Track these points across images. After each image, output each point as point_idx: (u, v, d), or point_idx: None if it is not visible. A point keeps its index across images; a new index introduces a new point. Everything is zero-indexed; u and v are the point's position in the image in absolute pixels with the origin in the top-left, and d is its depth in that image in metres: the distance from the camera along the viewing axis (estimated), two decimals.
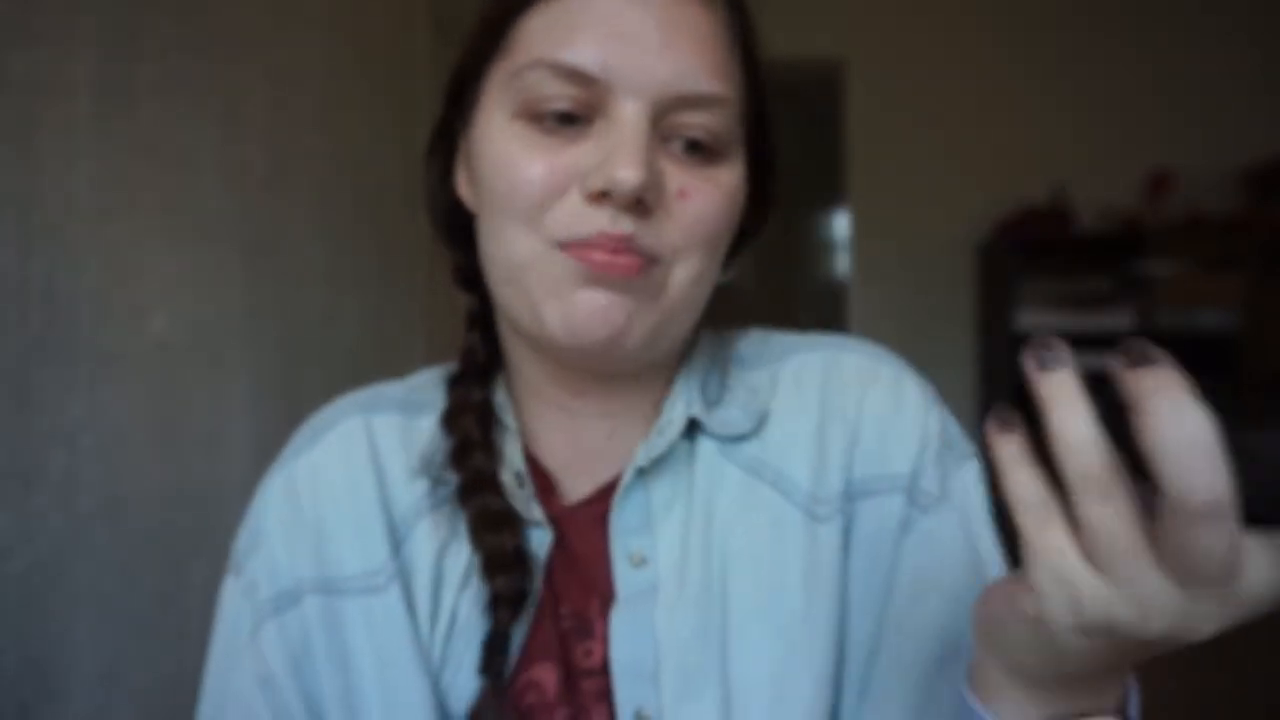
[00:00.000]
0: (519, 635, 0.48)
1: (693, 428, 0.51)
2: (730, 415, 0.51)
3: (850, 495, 0.49)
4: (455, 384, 0.53)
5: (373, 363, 1.93)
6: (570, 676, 0.47)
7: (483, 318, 0.55)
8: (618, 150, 0.43)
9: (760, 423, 0.51)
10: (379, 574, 0.48)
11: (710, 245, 0.47)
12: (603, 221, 0.43)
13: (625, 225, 0.43)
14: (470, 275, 0.54)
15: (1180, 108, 3.43)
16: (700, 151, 0.46)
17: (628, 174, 0.42)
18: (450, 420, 0.52)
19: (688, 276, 0.46)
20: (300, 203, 1.52)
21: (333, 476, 0.51)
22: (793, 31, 3.41)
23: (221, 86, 1.23)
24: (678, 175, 0.45)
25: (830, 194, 4.10)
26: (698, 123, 0.45)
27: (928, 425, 0.51)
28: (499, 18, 0.48)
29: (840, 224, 3.99)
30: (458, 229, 0.54)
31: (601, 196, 0.43)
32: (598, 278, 0.44)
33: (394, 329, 2.10)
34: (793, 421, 0.51)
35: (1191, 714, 2.22)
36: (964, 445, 0.52)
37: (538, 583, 0.49)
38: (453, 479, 0.50)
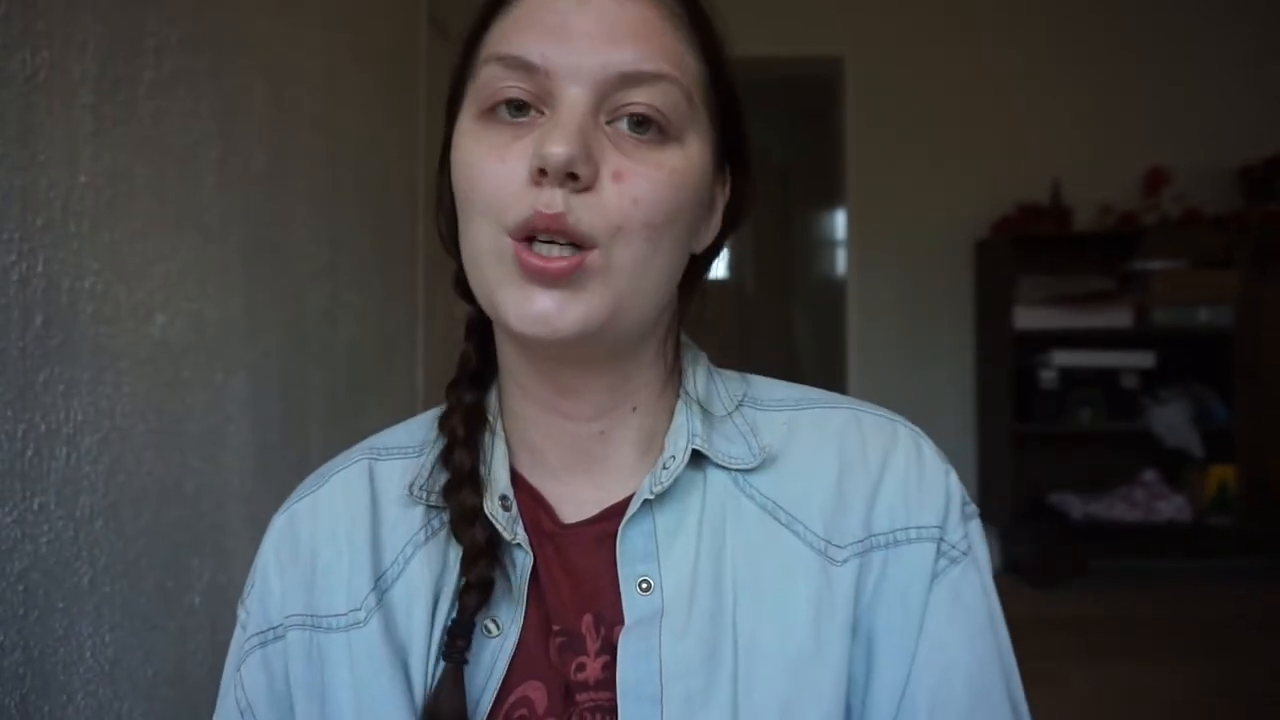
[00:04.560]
0: (505, 653, 0.50)
1: (697, 457, 0.52)
2: (734, 450, 0.53)
3: (872, 545, 0.51)
4: (450, 388, 0.56)
5: (373, 363, 1.93)
6: (567, 691, 0.49)
7: (480, 326, 0.57)
8: (550, 128, 0.45)
9: (766, 461, 0.52)
10: (360, 609, 0.51)
11: (651, 228, 0.47)
12: (539, 201, 0.45)
13: (557, 203, 0.45)
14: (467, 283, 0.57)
15: (1176, 107, 3.43)
16: (647, 130, 0.47)
17: (556, 148, 0.44)
18: (443, 421, 0.54)
19: (631, 259, 0.47)
20: (300, 203, 1.52)
21: (331, 518, 0.54)
22: (791, 30, 3.42)
23: (221, 86, 1.23)
24: (615, 158, 0.47)
25: (828, 192, 4.10)
26: (642, 100, 0.47)
27: (949, 484, 0.53)
28: (470, 37, 0.52)
29: (838, 221, 3.99)
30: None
31: (540, 175, 0.45)
32: (534, 278, 0.46)
33: (394, 329, 2.10)
34: (810, 469, 0.53)
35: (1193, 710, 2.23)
36: (970, 505, 0.55)
37: (522, 598, 0.50)
38: (441, 499, 0.53)
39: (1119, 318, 3.20)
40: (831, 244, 4.43)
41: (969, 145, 3.48)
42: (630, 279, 0.47)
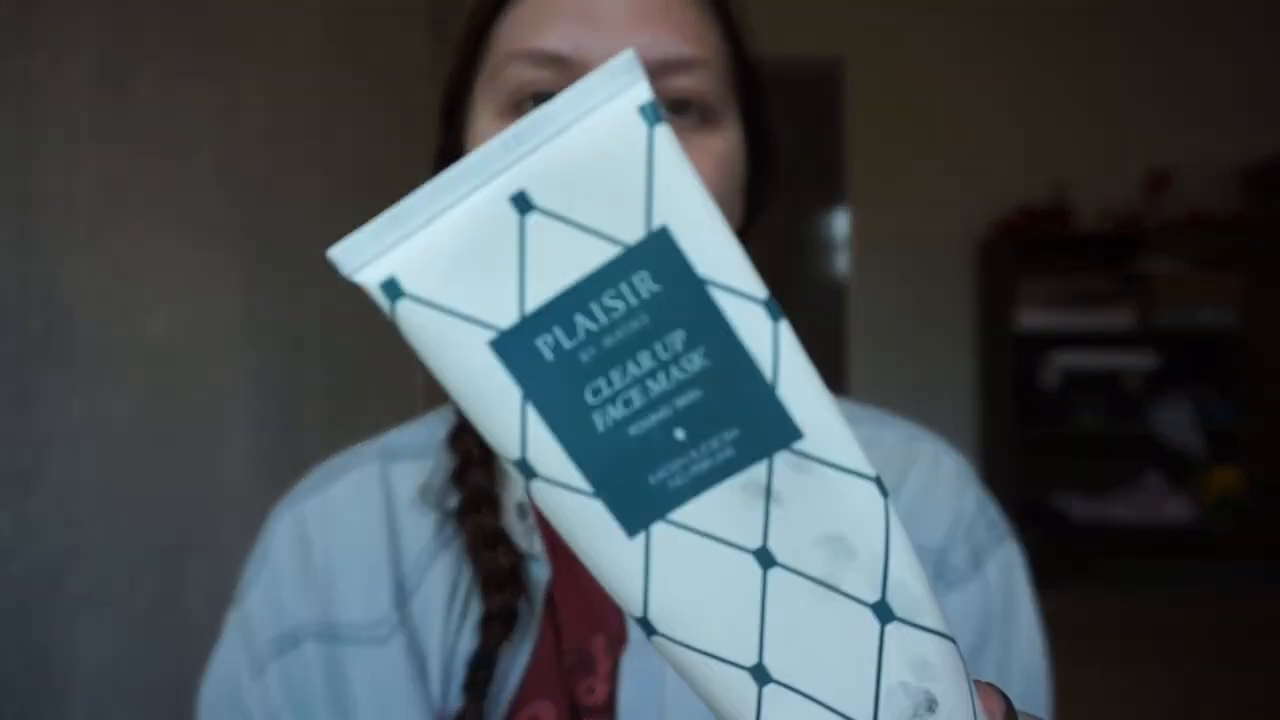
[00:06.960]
0: (517, 669, 0.47)
1: None
2: None
3: None
4: None
5: (373, 363, 1.93)
6: (574, 713, 0.47)
7: None
8: None
9: None
10: (382, 625, 0.48)
11: None
12: None
13: None
14: None
15: (1180, 107, 3.43)
16: (687, 115, 0.45)
17: None
18: (453, 439, 0.51)
19: None
20: (300, 203, 1.52)
21: (345, 521, 0.51)
22: (793, 30, 3.41)
23: (220, 86, 1.23)
24: None
25: (830, 193, 4.10)
26: (681, 85, 0.44)
27: (962, 502, 0.51)
28: (476, 28, 0.48)
29: (840, 223, 3.99)
30: None
31: None
32: None
33: (394, 329, 2.10)
34: None
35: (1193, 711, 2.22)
36: (1002, 527, 0.52)
37: (538, 612, 0.48)
38: (454, 502, 0.50)
39: (1121, 319, 3.20)
40: (832, 244, 4.42)
41: (971, 146, 3.48)
42: None
